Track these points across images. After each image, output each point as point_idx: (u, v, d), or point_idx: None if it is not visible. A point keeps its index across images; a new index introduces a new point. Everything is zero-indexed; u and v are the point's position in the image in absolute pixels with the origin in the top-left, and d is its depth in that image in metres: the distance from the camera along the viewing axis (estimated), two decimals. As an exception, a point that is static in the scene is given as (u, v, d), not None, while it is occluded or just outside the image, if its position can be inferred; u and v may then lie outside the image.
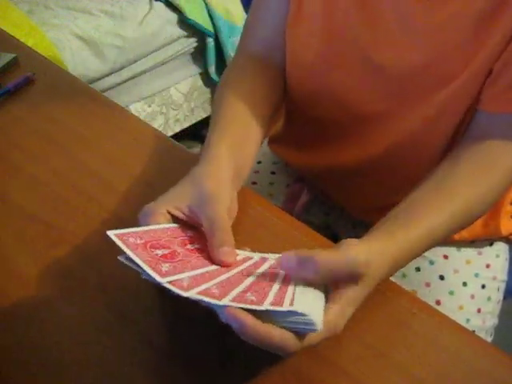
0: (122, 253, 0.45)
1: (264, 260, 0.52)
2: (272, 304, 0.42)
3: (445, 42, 0.63)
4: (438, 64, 0.64)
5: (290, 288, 0.46)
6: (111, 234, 0.46)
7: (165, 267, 0.45)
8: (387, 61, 0.67)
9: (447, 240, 0.78)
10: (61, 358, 0.51)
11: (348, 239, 0.50)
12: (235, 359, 0.50)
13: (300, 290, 0.46)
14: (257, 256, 0.53)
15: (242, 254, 0.52)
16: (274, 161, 0.94)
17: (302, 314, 0.42)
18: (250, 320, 0.41)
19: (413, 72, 0.66)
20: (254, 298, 0.43)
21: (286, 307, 0.42)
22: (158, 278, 0.43)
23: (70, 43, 1.77)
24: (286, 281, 0.47)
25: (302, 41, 0.73)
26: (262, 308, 0.41)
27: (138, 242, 0.47)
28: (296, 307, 0.42)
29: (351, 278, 0.47)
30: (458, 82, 0.63)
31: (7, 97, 0.87)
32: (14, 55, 0.96)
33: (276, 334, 0.42)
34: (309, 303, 0.44)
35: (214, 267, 0.48)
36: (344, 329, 0.52)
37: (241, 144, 0.63)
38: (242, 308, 0.42)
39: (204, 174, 0.56)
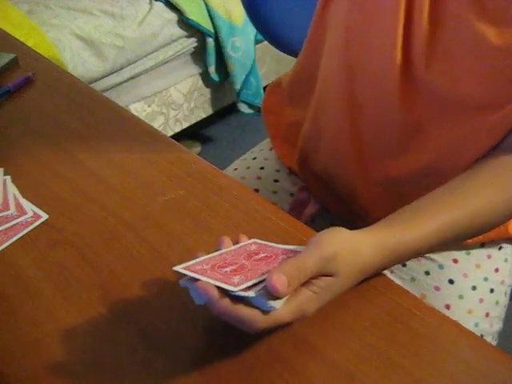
0: (183, 277, 0.49)
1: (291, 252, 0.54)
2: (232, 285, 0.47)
3: (504, 69, 0.60)
4: (494, 89, 0.62)
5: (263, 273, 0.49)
6: (178, 268, 0.50)
7: (236, 279, 0.48)
8: (437, 77, 0.64)
9: (460, 244, 0.77)
10: (60, 357, 0.51)
11: (327, 230, 0.53)
12: (236, 358, 0.50)
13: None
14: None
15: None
16: (276, 168, 0.92)
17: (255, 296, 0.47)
18: (215, 293, 0.46)
19: (464, 93, 0.63)
20: (236, 280, 0.48)
21: (234, 289, 0.46)
22: (231, 288, 0.46)
23: (70, 43, 1.77)
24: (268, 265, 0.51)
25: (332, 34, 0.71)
26: (229, 288, 0.47)
27: (205, 267, 0.50)
28: (249, 292, 0.47)
29: (323, 273, 0.50)
30: (509, 109, 0.62)
31: (7, 97, 0.87)
32: (14, 55, 0.96)
33: (240, 308, 0.47)
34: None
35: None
36: (344, 328, 0.52)
37: None
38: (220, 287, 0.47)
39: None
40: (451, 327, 0.55)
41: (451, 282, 0.77)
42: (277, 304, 0.47)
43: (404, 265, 0.78)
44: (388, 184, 0.73)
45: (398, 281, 0.75)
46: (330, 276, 0.50)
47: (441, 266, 0.78)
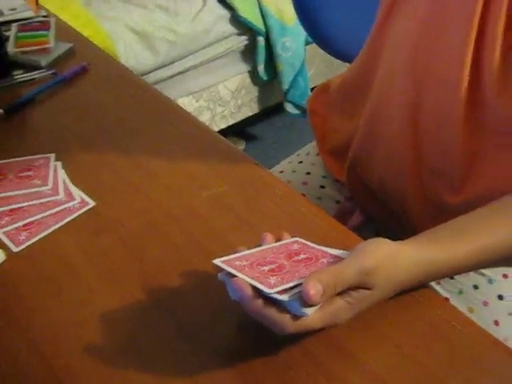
0: (222, 270, 0.50)
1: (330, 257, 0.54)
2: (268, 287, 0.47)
3: None
4: None
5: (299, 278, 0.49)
6: (218, 262, 0.50)
7: (273, 280, 0.48)
8: (507, 103, 0.62)
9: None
10: (97, 340, 0.52)
11: (371, 241, 0.53)
12: (271, 357, 0.50)
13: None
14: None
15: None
16: (322, 174, 0.91)
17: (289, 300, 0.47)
18: (249, 292, 0.47)
19: None
20: (272, 281, 0.48)
21: (269, 291, 0.47)
22: (266, 290, 0.47)
23: (124, 36, 1.80)
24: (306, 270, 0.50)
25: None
26: (264, 289, 0.47)
27: (244, 263, 0.50)
28: (283, 295, 0.47)
29: (361, 286, 0.50)
30: None
31: (62, 85, 0.90)
32: (70, 45, 0.99)
33: (271, 311, 0.47)
34: None
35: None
36: (382, 336, 0.52)
37: None
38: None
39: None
40: (491, 344, 0.53)
41: (500, 297, 0.75)
42: (309, 311, 0.47)
43: (452, 277, 0.77)
44: (441, 206, 0.72)
45: (445, 293, 0.73)
46: (368, 289, 0.50)
47: (490, 281, 0.75)
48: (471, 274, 0.76)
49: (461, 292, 0.76)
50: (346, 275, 0.49)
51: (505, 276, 0.75)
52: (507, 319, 0.74)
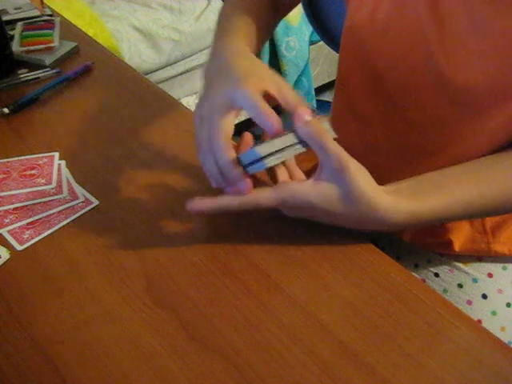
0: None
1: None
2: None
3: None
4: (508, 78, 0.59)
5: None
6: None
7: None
8: (455, 68, 0.61)
9: (495, 256, 0.75)
10: (101, 340, 0.52)
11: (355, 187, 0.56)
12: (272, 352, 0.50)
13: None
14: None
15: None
16: None
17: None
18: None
19: (481, 84, 0.61)
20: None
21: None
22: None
23: (128, 35, 1.81)
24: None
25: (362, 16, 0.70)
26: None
27: None
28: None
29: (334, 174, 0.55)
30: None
31: (67, 83, 0.90)
32: (75, 44, 0.99)
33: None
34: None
35: None
36: (383, 337, 0.51)
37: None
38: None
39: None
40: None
41: (484, 296, 0.75)
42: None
43: (437, 275, 0.77)
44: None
45: None
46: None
47: (475, 280, 0.76)
48: (456, 272, 0.76)
49: (445, 291, 0.76)
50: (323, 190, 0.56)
51: (490, 275, 0.76)
52: (490, 318, 0.74)
